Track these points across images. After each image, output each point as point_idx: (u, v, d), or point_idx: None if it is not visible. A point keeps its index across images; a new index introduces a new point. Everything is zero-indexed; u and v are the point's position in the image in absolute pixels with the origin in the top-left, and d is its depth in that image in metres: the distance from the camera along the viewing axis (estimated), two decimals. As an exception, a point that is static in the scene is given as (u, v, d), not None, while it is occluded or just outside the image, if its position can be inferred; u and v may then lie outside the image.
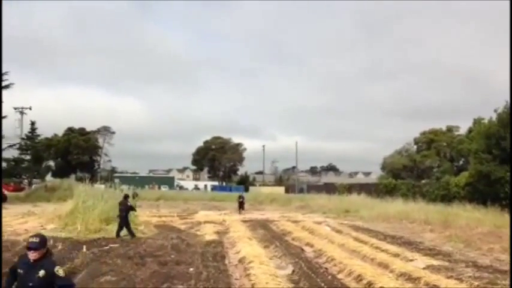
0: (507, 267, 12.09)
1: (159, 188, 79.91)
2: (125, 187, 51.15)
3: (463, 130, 55.12)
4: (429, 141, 63.43)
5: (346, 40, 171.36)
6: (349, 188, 51.50)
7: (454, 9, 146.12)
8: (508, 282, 10.00)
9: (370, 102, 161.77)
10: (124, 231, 16.88)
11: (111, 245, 14.79)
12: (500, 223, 20.19)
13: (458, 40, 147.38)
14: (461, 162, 52.22)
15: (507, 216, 22.78)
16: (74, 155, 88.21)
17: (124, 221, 16.83)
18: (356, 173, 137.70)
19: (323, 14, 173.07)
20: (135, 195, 28.64)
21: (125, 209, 16.95)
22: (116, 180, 77.22)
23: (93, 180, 67.61)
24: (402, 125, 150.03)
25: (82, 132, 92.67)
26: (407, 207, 29.12)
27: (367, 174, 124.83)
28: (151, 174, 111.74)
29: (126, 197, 17.80)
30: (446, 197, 34.81)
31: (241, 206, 32.69)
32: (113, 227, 17.49)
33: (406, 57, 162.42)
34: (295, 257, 13.27)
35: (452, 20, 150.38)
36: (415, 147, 66.57)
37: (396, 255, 13.81)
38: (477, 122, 42.23)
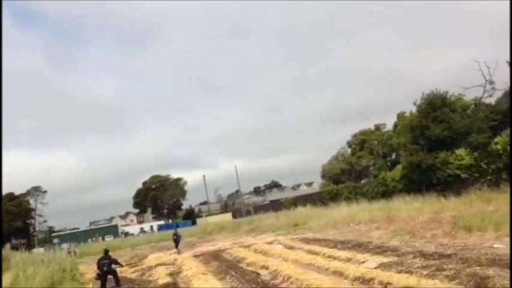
0: (450, 251, 12.69)
1: (103, 239, 76.77)
2: (65, 245, 48.92)
3: (389, 126, 57.61)
4: (361, 142, 65.48)
5: (270, 59, 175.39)
6: (294, 202, 52.06)
7: (367, 15, 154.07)
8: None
9: (302, 114, 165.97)
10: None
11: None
12: (438, 209, 21.21)
13: (374, 44, 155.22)
14: (393, 157, 54.36)
15: (443, 201, 24.02)
16: (6, 222, 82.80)
17: (107, 274, 16.55)
18: (299, 185, 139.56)
19: (243, 38, 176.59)
20: (71, 253, 27.07)
21: (109, 263, 16.68)
22: (55, 240, 73.91)
23: (30, 245, 64.06)
24: (336, 131, 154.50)
25: (11, 197, 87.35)
26: (352, 209, 29.90)
27: (309, 184, 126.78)
28: (92, 227, 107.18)
29: (106, 251, 17.63)
30: (386, 193, 36.09)
31: (176, 243, 29.25)
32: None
33: (328, 66, 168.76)
34: (252, 283, 13.16)
35: (368, 26, 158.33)
36: (349, 150, 68.49)
37: (348, 260, 14.09)
38: (400, 116, 44.40)
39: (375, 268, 11.96)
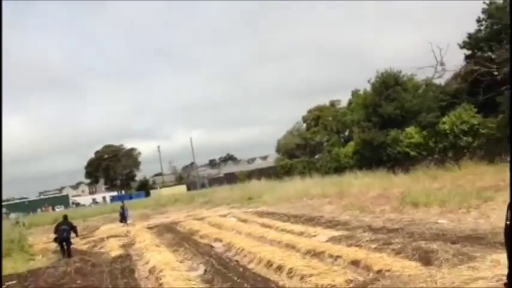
0: (398, 226, 13.26)
1: (53, 209, 74.89)
2: (14, 215, 47.36)
3: (344, 103, 58.56)
4: (316, 117, 66.35)
5: (228, 30, 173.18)
6: (249, 175, 52.52)
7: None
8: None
9: (259, 87, 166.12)
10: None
11: (8, 283, 13.57)
12: (387, 185, 21.91)
13: (331, 22, 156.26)
14: (346, 133, 55.48)
15: (393, 177, 24.87)
16: None
17: (67, 242, 16.76)
18: (254, 159, 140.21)
19: (199, 5, 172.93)
20: (20, 223, 26.18)
21: (68, 229, 16.89)
22: (3, 210, 71.38)
23: (-25, 214, 61.61)
24: (292, 105, 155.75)
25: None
26: (305, 184, 30.49)
27: (264, 158, 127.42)
28: (42, 197, 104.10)
29: (66, 217, 17.95)
30: (339, 168, 36.94)
31: (123, 217, 27.90)
32: (7, 263, 16.09)
33: (286, 40, 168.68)
34: (206, 256, 13.26)
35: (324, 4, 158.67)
36: (305, 125, 69.32)
37: (301, 233, 14.45)
38: (354, 93, 45.19)
39: (326, 242, 12.33)
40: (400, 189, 19.39)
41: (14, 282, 13.63)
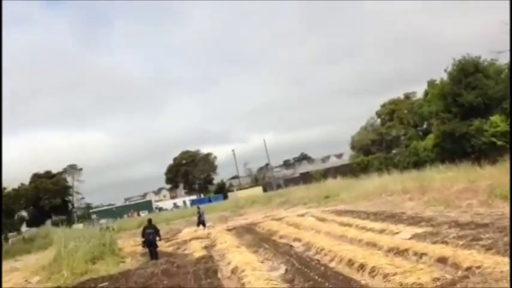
0: (487, 220, 12.50)
1: (138, 214, 78.70)
2: (103, 221, 50.40)
3: (419, 94, 56.42)
4: (391, 111, 64.60)
5: (293, 29, 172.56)
6: (325, 174, 52.06)
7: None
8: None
9: (329, 85, 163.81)
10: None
11: (100, 285, 14.47)
12: (474, 177, 20.69)
13: (397, 12, 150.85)
14: (424, 126, 53.34)
15: (479, 170, 23.44)
16: (45, 200, 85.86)
17: (153, 245, 17.58)
18: (328, 157, 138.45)
19: (265, 11, 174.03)
20: (110, 228, 27.65)
21: (153, 232, 17.75)
22: (94, 216, 76.27)
23: (70, 221, 66.38)
24: (364, 101, 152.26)
25: (48, 175, 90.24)
26: (384, 180, 29.64)
27: (339, 156, 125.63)
28: (127, 203, 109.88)
29: (150, 220, 18.85)
30: (418, 162, 35.62)
31: (199, 221, 27.52)
32: (100, 266, 17.17)
33: (354, 35, 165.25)
34: (286, 255, 13.31)
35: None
36: (379, 120, 67.68)
37: (382, 231, 14.08)
38: (431, 84, 43.33)
39: (409, 239, 11.93)
40: (487, 182, 18.25)
41: (106, 283, 14.52)
